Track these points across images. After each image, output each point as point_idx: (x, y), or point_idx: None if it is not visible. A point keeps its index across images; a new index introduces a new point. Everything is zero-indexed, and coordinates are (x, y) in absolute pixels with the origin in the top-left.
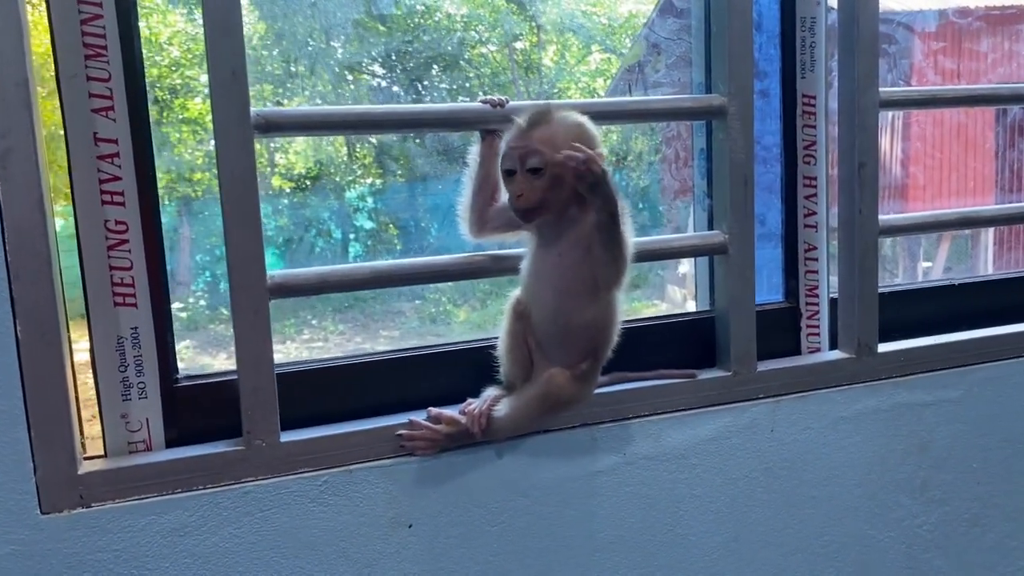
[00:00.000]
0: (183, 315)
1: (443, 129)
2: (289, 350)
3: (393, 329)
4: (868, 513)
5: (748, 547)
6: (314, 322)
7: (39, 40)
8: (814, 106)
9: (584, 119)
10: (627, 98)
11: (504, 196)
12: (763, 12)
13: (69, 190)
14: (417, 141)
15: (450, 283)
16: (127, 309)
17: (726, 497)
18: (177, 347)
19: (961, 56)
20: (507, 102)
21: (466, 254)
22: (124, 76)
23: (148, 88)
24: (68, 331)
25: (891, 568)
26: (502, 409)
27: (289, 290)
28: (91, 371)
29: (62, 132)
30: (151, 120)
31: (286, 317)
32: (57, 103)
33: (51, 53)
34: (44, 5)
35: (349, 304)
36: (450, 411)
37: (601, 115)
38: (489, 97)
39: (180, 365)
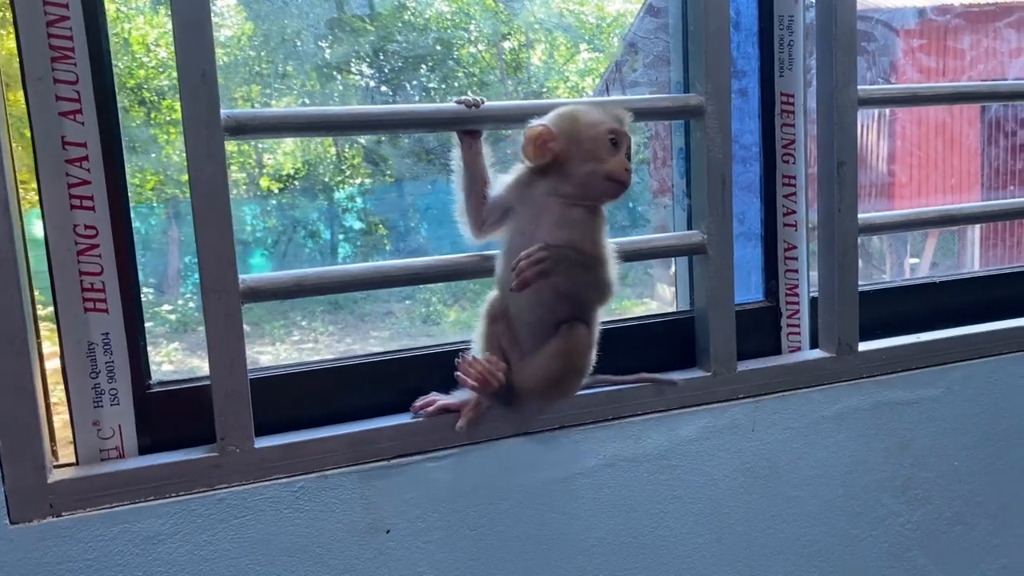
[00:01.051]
0: (172, 317)
1: (419, 130)
2: (279, 351)
3: (384, 330)
4: (850, 512)
5: (730, 548)
6: (303, 323)
7: (6, 42)
8: (793, 105)
9: None
10: (604, 98)
11: (493, 190)
12: (741, 10)
13: (37, 194)
14: (404, 140)
15: (440, 283)
16: (98, 314)
17: (707, 498)
18: (166, 349)
19: (941, 54)
20: (483, 103)
21: (445, 256)
22: (92, 78)
23: (136, 90)
24: (38, 337)
25: (874, 567)
26: (520, 374)
27: (262, 294)
28: (61, 378)
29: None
30: (121, 123)
31: (275, 319)
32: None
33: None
34: (9, 7)
35: (339, 305)
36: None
37: None
38: (464, 98)
39: (169, 367)
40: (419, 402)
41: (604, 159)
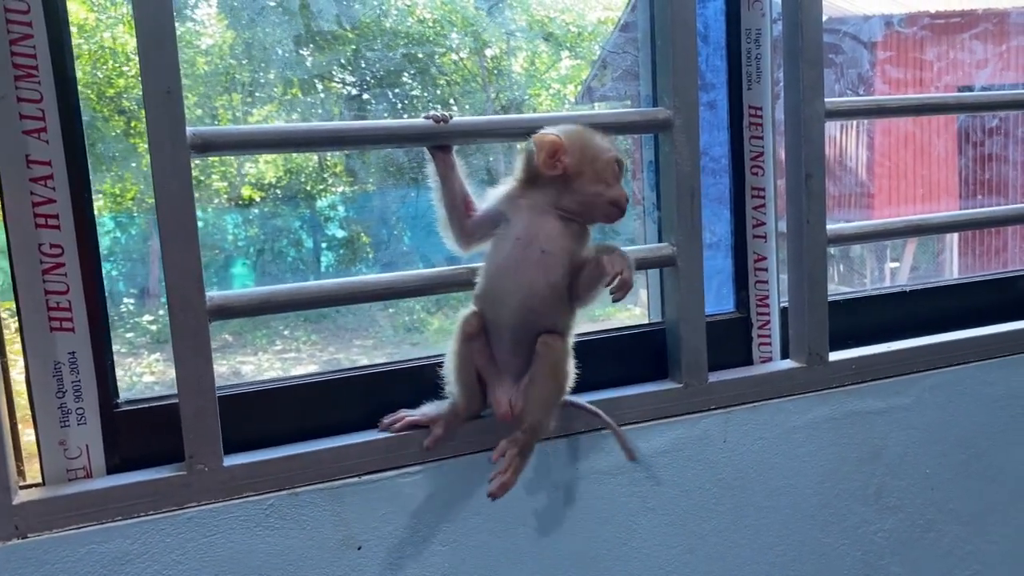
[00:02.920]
0: (153, 328)
1: (388, 145)
2: (261, 361)
3: (367, 339)
4: (823, 522)
5: (703, 559)
6: (286, 333)
7: None
8: (761, 117)
9: None
10: (573, 113)
11: (480, 206)
12: (709, 24)
13: (1, 212)
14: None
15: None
16: (64, 334)
17: (679, 509)
18: (148, 360)
19: (908, 65)
20: (451, 118)
21: (415, 271)
22: (57, 97)
23: (116, 99)
24: (4, 356)
25: None
26: (521, 402)
27: (230, 311)
28: (27, 397)
29: None
30: (86, 140)
31: (257, 329)
32: None
33: None
34: None
35: (322, 315)
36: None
37: None
38: (433, 113)
39: (150, 379)
40: (387, 419)
41: (611, 184)
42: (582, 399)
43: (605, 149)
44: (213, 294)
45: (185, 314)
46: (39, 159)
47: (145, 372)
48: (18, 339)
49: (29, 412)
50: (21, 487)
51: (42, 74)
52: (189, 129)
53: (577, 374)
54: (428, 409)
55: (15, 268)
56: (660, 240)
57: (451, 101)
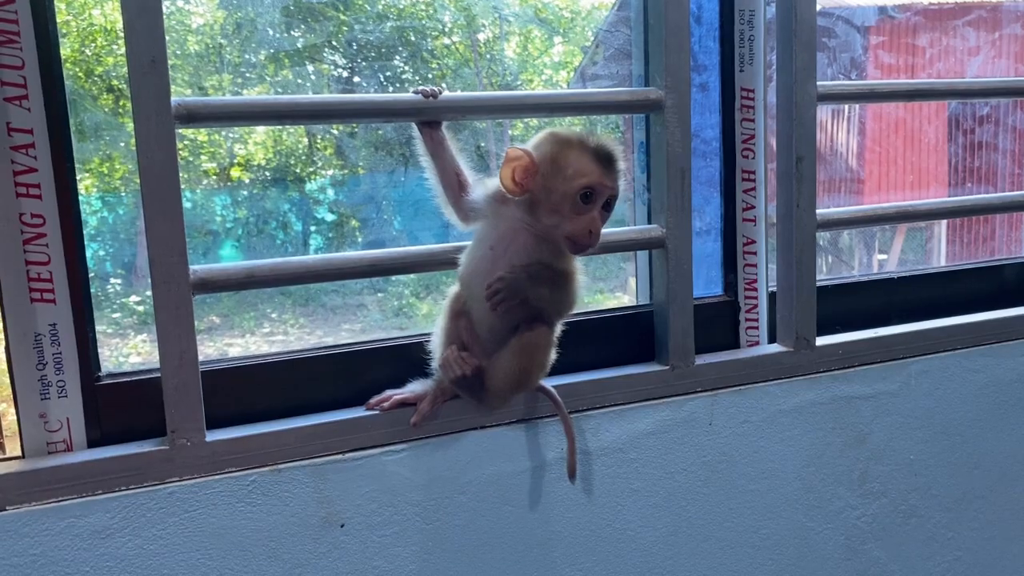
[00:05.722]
0: (140, 308)
1: (376, 119)
2: (248, 344)
3: (355, 322)
4: (807, 505)
5: (687, 540)
6: (274, 315)
7: None
8: (753, 100)
9: None
10: (564, 91)
11: (474, 191)
12: (703, 5)
13: None
14: (379, 131)
15: (412, 275)
16: (45, 305)
17: (665, 491)
18: (134, 341)
19: (901, 51)
20: (441, 92)
21: (401, 248)
22: (40, 65)
23: (104, 77)
24: None
25: (830, 560)
26: (487, 371)
27: (213, 286)
28: (7, 369)
29: None
30: (69, 110)
31: (245, 311)
32: None
33: None
34: None
35: (310, 297)
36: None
37: (537, 108)
38: (423, 87)
39: (137, 359)
40: (374, 400)
41: (569, 217)
42: (564, 384)
43: (572, 177)
44: (197, 268)
45: (168, 287)
46: (20, 127)
47: (131, 353)
48: None
49: (9, 385)
50: (0, 460)
51: (24, 40)
52: (174, 99)
53: (563, 354)
54: (415, 387)
55: None
56: (649, 222)
57: (443, 85)
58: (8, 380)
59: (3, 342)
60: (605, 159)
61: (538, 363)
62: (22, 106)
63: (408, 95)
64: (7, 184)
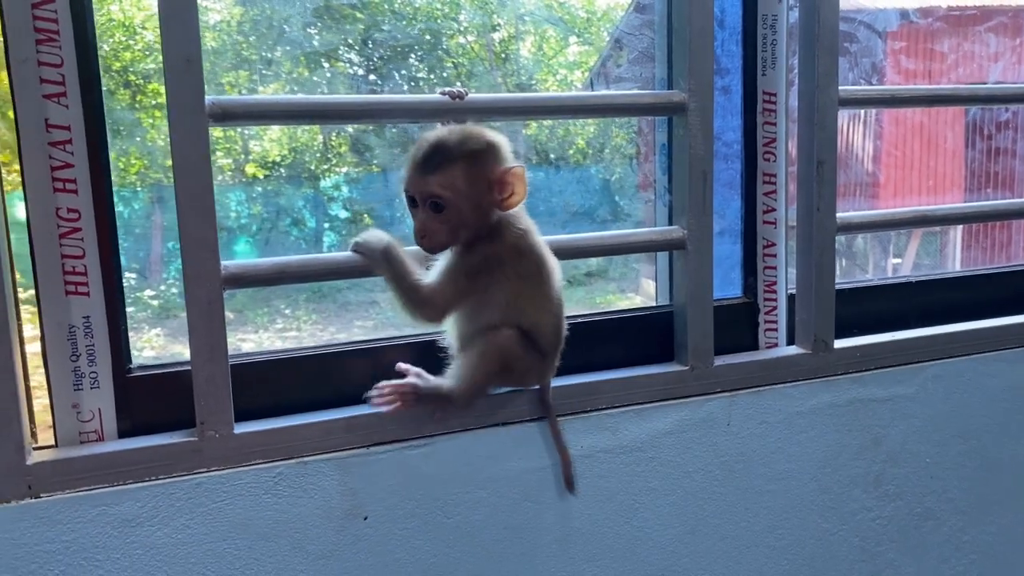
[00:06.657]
0: (154, 303)
1: (403, 120)
2: (262, 339)
3: (368, 319)
4: (823, 507)
5: (704, 540)
6: (287, 311)
7: None
8: (775, 103)
9: (489, 138)
10: (588, 93)
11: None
12: (726, 8)
13: (20, 176)
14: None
15: None
16: (79, 298)
17: (682, 491)
18: (148, 335)
19: (922, 56)
20: (467, 94)
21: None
22: (77, 62)
23: (122, 73)
24: (19, 320)
25: (845, 561)
26: (450, 376)
27: (244, 281)
28: (41, 361)
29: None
30: (105, 106)
31: (258, 306)
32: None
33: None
34: None
35: (323, 294)
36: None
37: (562, 110)
38: (449, 89)
39: (151, 353)
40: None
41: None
42: (583, 382)
43: (408, 169)
44: (228, 263)
45: (200, 283)
46: (58, 123)
47: (146, 347)
48: (34, 303)
49: (44, 375)
50: (34, 448)
51: (63, 39)
52: (208, 98)
53: (582, 353)
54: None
55: (33, 231)
56: (671, 223)
57: (458, 84)
58: (43, 371)
59: (38, 333)
60: (411, 162)
61: (498, 365)
62: (60, 103)
63: (435, 96)
64: (45, 179)
